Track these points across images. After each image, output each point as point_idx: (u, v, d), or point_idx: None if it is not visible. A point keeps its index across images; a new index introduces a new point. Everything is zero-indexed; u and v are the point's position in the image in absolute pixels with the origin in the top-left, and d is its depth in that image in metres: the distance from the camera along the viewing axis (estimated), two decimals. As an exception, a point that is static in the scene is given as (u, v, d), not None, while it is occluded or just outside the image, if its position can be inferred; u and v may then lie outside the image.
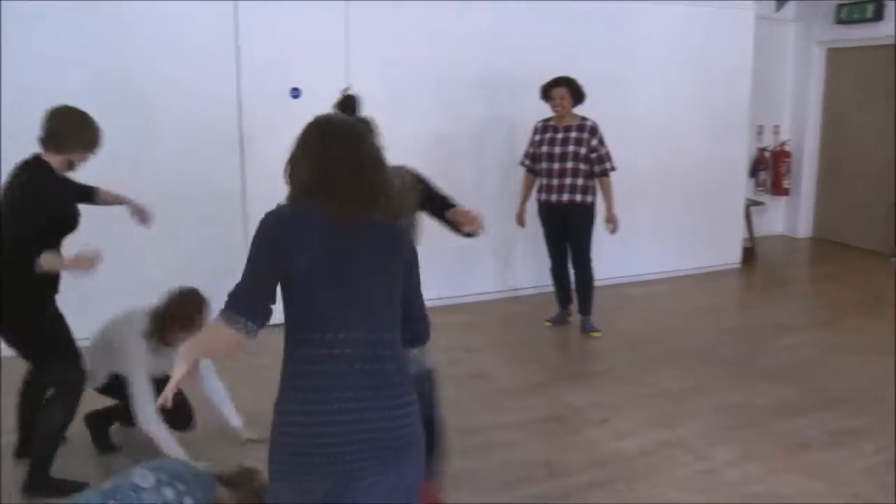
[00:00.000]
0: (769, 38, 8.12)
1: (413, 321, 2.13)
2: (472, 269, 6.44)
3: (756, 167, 8.65)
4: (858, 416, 4.27)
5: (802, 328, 5.85)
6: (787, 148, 8.74)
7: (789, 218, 9.05)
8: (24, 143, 3.41)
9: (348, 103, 3.28)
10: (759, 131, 8.61)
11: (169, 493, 2.19)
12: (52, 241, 3.32)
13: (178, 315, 3.50)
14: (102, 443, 3.87)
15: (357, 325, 1.93)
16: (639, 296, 6.71)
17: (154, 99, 5.23)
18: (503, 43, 6.19)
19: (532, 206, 5.73)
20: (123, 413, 3.73)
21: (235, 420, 3.89)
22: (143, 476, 2.23)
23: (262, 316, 1.91)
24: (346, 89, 3.37)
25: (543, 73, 5.57)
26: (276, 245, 1.90)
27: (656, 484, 3.57)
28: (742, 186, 7.67)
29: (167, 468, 2.28)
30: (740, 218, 7.72)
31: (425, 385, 2.79)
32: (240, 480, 2.45)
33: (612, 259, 6.91)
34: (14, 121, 4.66)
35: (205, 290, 3.66)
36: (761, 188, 8.70)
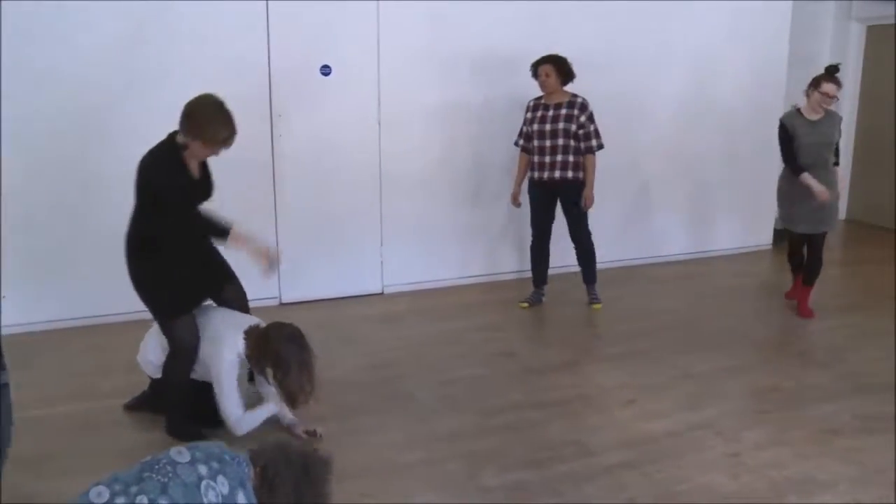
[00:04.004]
0: (807, 14, 7.96)
1: None
2: (501, 247, 6.44)
3: (790, 147, 8.49)
4: (892, 401, 4.21)
5: (834, 312, 5.77)
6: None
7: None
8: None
9: None
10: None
11: (203, 469, 2.21)
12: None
13: (280, 364, 3.51)
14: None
15: None
16: (669, 276, 6.66)
17: (187, 77, 5.23)
18: (536, 22, 6.13)
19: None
20: (153, 401, 3.88)
21: (288, 417, 3.87)
22: (179, 452, 2.26)
23: None
24: None
25: (571, 51, 5.55)
26: None
27: (684, 466, 3.55)
28: (775, 167, 7.54)
29: (202, 447, 2.30)
30: (772, 199, 7.59)
31: None
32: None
33: (641, 239, 6.88)
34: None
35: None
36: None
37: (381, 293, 6.10)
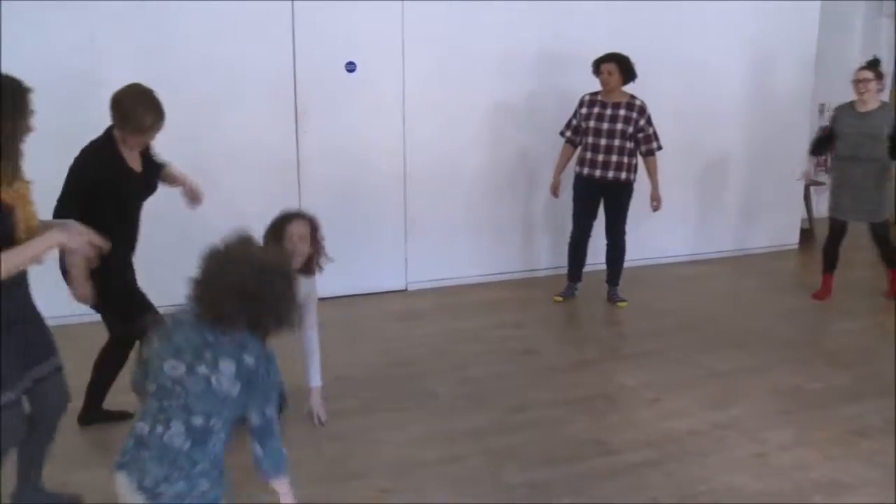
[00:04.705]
0: (836, 10, 7.86)
1: None
2: (524, 244, 6.43)
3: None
4: (919, 404, 4.16)
5: (860, 313, 5.71)
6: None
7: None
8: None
9: None
10: (822, 109, 8.36)
11: (202, 368, 2.23)
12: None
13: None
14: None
15: None
16: (693, 275, 6.62)
17: (213, 75, 5.28)
18: (557, 18, 6.11)
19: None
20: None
21: (315, 378, 3.86)
22: (172, 367, 2.28)
23: None
24: None
25: (601, 50, 5.56)
26: None
27: (707, 466, 3.53)
28: (802, 166, 7.47)
29: (186, 344, 2.29)
30: (799, 198, 7.55)
31: None
32: None
33: (667, 238, 6.84)
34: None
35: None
36: (822, 168, 8.46)
37: (405, 290, 6.11)
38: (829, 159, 8.40)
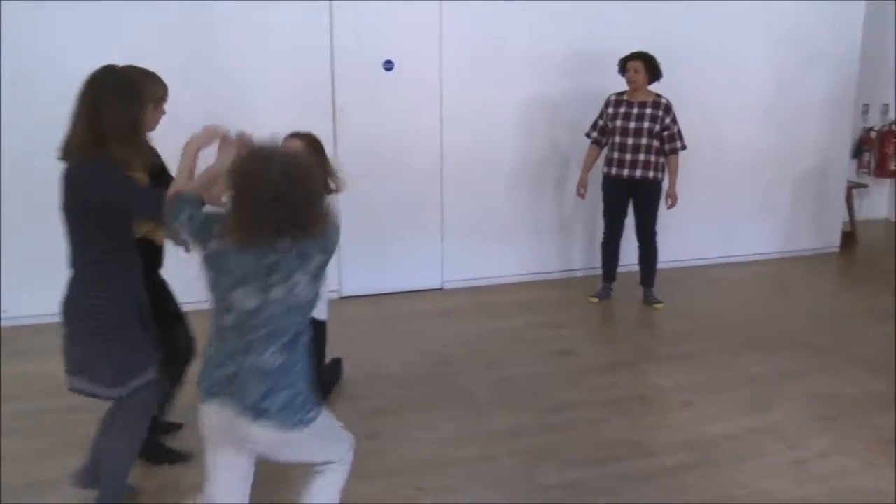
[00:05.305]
0: (880, 10, 7.73)
1: None
2: (560, 244, 6.41)
3: (860, 148, 8.29)
4: (963, 411, 4.09)
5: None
6: (895, 128, 8.34)
7: (894, 202, 8.66)
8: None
9: None
10: (865, 110, 8.24)
11: (278, 292, 2.32)
12: None
13: None
14: None
15: None
16: (731, 277, 6.55)
17: (250, 72, 5.33)
18: (592, 19, 6.08)
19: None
20: None
21: (322, 313, 3.80)
22: (244, 297, 2.34)
23: None
24: None
25: (640, 49, 5.53)
26: None
27: (745, 471, 3.50)
28: (844, 168, 7.37)
29: (250, 275, 2.32)
30: (841, 200, 7.43)
31: None
32: None
33: (704, 239, 6.78)
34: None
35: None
36: (864, 170, 8.34)
37: (441, 289, 6.13)
38: (871, 161, 8.33)
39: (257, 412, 2.29)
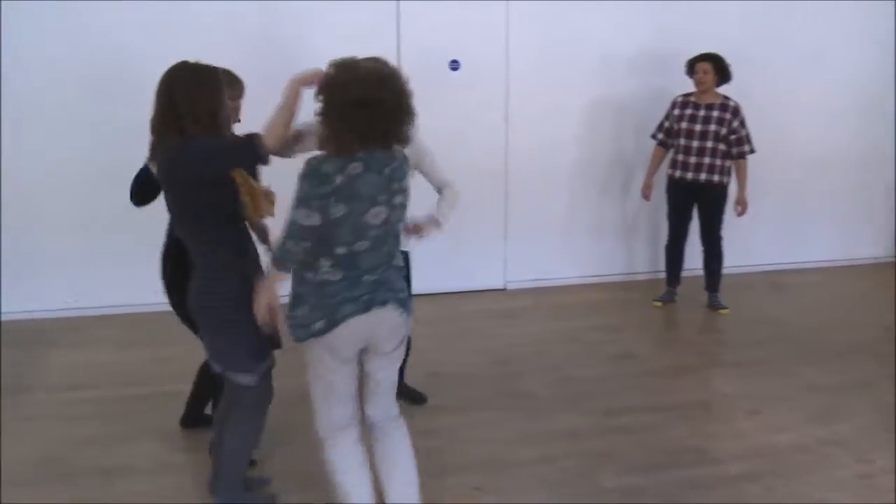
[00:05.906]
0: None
1: None
2: (623, 246, 6.37)
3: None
4: None
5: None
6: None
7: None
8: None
9: None
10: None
11: (379, 213, 2.59)
12: None
13: None
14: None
15: None
16: (794, 284, 6.41)
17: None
18: (658, 16, 6.02)
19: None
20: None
21: (442, 218, 4.03)
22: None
23: None
24: None
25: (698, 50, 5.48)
26: None
27: (812, 483, 3.43)
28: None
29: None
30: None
31: None
32: None
33: (768, 245, 6.65)
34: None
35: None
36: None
37: (504, 289, 6.14)
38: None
39: (400, 303, 2.66)
